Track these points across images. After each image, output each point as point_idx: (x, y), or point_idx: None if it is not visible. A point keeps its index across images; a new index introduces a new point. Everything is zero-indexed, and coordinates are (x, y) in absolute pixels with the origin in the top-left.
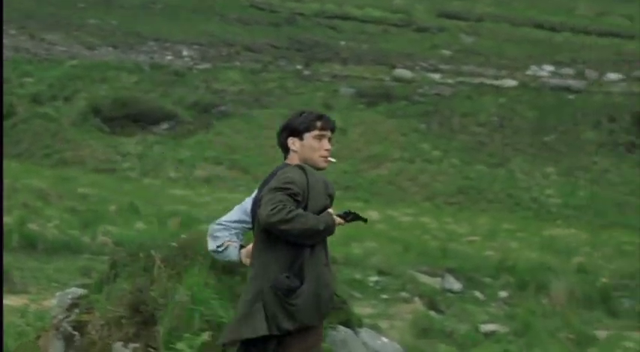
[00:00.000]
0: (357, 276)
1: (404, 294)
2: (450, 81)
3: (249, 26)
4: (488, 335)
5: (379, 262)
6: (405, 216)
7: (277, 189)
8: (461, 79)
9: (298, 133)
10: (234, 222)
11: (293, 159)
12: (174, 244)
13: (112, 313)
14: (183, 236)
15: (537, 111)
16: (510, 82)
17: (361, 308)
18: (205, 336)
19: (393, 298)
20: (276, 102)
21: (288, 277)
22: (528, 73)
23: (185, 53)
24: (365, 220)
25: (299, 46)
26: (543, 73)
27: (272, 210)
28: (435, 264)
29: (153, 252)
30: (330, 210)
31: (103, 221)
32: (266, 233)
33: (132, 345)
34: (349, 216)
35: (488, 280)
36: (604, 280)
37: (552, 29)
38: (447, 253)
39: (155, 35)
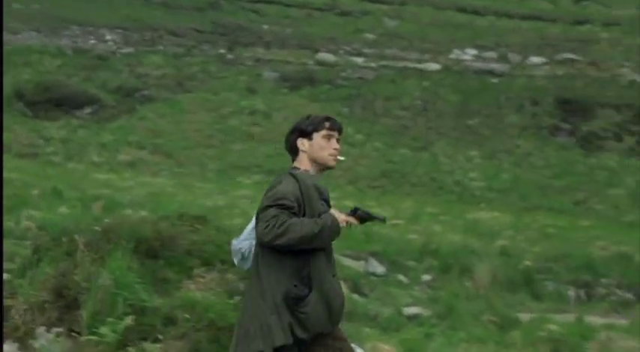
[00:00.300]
0: None
1: None
2: (373, 65)
3: (172, 10)
4: (412, 318)
5: None
6: None
7: (269, 206)
8: (384, 62)
9: (307, 134)
10: (251, 230)
11: (302, 159)
12: (97, 228)
13: (35, 298)
14: (106, 220)
15: (460, 94)
16: (433, 66)
17: None
18: (128, 320)
19: None
20: (200, 87)
21: (296, 286)
22: (451, 56)
23: (108, 37)
24: (383, 220)
25: (222, 30)
26: (466, 57)
27: (265, 228)
28: (359, 248)
29: (76, 237)
30: (333, 211)
31: (27, 205)
32: (269, 247)
33: (55, 330)
34: (359, 214)
35: (411, 263)
36: (527, 263)
37: (475, 13)
38: (371, 237)
39: (78, 19)
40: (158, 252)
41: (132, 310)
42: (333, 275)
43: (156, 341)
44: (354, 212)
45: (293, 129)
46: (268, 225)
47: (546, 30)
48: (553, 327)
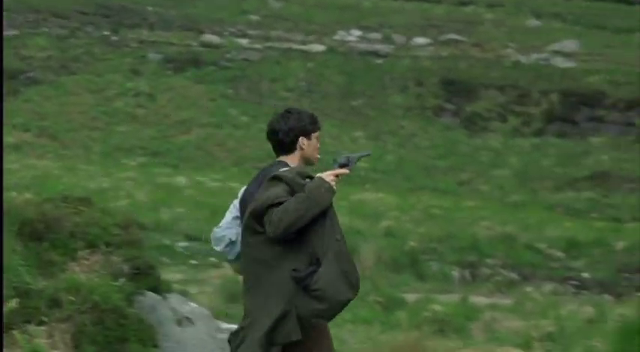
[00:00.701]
0: (166, 242)
1: (213, 259)
2: (258, 46)
3: None
4: None
5: (188, 227)
6: (213, 181)
7: (270, 206)
8: (269, 44)
9: (308, 134)
10: (232, 219)
11: (295, 157)
12: None
13: None
14: None
15: (345, 75)
16: (318, 47)
17: (170, 274)
18: (13, 303)
19: (202, 263)
20: (84, 69)
21: (294, 270)
22: (336, 38)
23: None
24: (368, 154)
25: (106, 11)
26: (351, 38)
27: (270, 226)
28: None
29: None
30: (320, 174)
31: None
32: (274, 244)
33: None
34: (341, 162)
35: None
36: (412, 244)
37: None
38: None
39: None
40: (42, 234)
41: (16, 293)
42: (338, 240)
43: (40, 323)
44: (335, 163)
45: (293, 127)
46: (272, 221)
47: (430, 11)
48: (438, 308)
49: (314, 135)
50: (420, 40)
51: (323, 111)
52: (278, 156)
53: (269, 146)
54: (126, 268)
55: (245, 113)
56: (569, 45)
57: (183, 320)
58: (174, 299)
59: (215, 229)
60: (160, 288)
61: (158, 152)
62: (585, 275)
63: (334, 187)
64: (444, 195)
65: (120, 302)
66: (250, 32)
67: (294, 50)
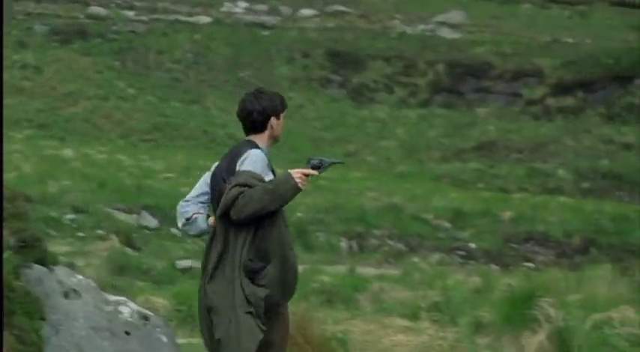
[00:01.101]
0: (53, 214)
1: (100, 232)
2: (144, 18)
3: None
4: (185, 271)
5: (75, 200)
6: (100, 153)
7: (238, 185)
8: (155, 16)
9: (278, 113)
10: (199, 195)
11: (264, 137)
12: None
13: None
14: None
15: (232, 47)
16: (205, 19)
17: (57, 246)
18: None
19: (89, 235)
20: None
21: (250, 260)
22: (223, 9)
23: None
24: (342, 162)
25: None
26: (237, 10)
27: (233, 207)
28: (131, 201)
29: None
30: (289, 170)
31: None
32: (229, 224)
33: None
34: (313, 163)
35: None
36: (299, 215)
37: None
38: (143, 190)
39: None
40: None
41: None
42: (290, 249)
43: None
44: (308, 163)
45: (266, 107)
46: (236, 204)
47: None
48: (325, 278)
49: (282, 115)
50: (307, 12)
51: (210, 83)
52: (247, 134)
53: (157, 118)
54: (12, 241)
55: (132, 85)
56: (455, 16)
57: (70, 293)
58: (60, 271)
59: (181, 202)
60: (46, 261)
61: (45, 124)
62: (472, 245)
63: (300, 186)
64: (332, 170)
65: (6, 275)
66: (136, 4)
67: (181, 22)
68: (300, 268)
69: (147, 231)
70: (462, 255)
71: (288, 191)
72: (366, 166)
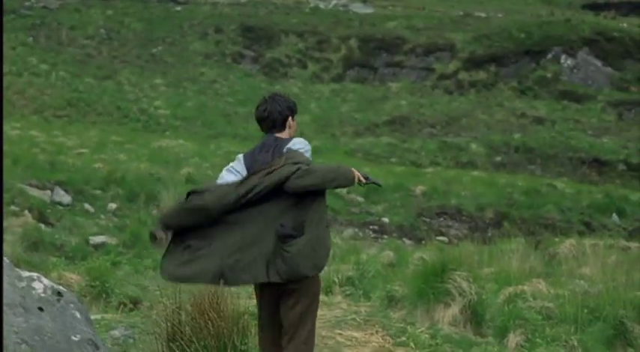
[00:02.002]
0: None
1: (13, 208)
2: None
3: None
4: (98, 246)
5: None
6: (13, 129)
7: (295, 163)
8: None
9: (293, 114)
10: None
11: (285, 134)
12: None
13: None
14: None
15: (145, 23)
16: None
17: None
18: None
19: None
20: None
21: (282, 225)
22: None
23: None
24: (380, 185)
25: None
26: None
27: (297, 179)
28: (44, 177)
29: None
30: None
31: None
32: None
33: None
34: (368, 179)
35: (97, 192)
36: None
37: None
38: (56, 166)
39: None
40: None
41: None
42: (327, 226)
43: None
44: (366, 177)
45: (285, 108)
46: (300, 173)
47: None
48: None
49: (295, 117)
50: None
51: (122, 58)
52: (270, 132)
53: (70, 94)
54: None
55: (45, 61)
56: None
57: None
58: None
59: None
60: None
61: None
62: (385, 219)
63: (356, 180)
64: (244, 142)
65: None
66: None
67: None
68: None
69: (60, 207)
70: (375, 229)
71: (348, 176)
72: None
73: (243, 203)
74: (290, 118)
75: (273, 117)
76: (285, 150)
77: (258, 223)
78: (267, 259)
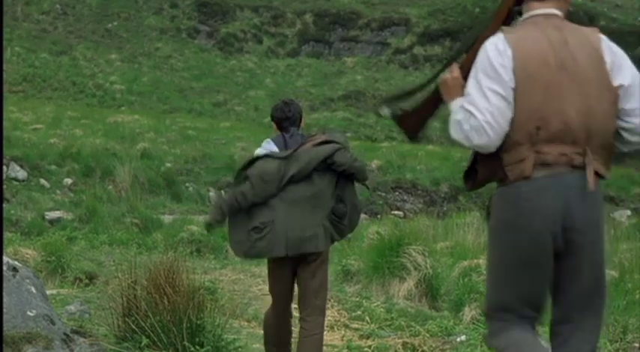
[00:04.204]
0: None
1: None
2: None
3: None
4: (54, 222)
5: None
6: None
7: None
8: None
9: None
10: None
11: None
12: None
13: None
14: None
15: None
16: None
17: None
18: None
19: None
20: None
21: (338, 205)
22: None
23: None
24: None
25: None
26: None
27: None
28: None
29: None
30: None
31: None
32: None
33: None
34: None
35: (53, 168)
36: (168, 165)
37: None
38: (12, 142)
39: None
40: None
41: None
42: (357, 203)
43: None
44: None
45: (301, 109)
46: (356, 163)
47: None
48: (195, 228)
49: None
50: None
51: (78, 33)
52: (289, 131)
53: (26, 70)
54: None
55: None
56: None
57: None
58: None
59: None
60: None
61: None
62: None
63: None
64: (199, 117)
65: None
66: None
67: None
68: (170, 218)
69: (16, 183)
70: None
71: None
72: (234, 116)
73: (296, 176)
74: (303, 117)
75: (295, 117)
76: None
77: (312, 200)
78: (325, 230)
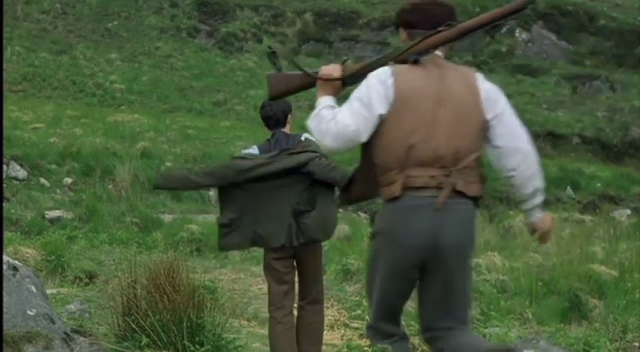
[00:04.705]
0: None
1: None
2: None
3: None
4: (54, 221)
5: None
6: None
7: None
8: None
9: (290, 112)
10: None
11: (286, 129)
12: None
13: None
14: None
15: None
16: None
17: None
18: None
19: None
20: None
21: (298, 203)
22: None
23: None
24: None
25: None
26: None
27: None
28: None
29: None
30: None
31: None
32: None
33: None
34: None
35: (53, 167)
36: (168, 164)
37: None
38: (12, 141)
39: None
40: None
41: None
42: (333, 202)
43: None
44: None
45: (286, 107)
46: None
47: None
48: (195, 228)
49: (290, 115)
50: None
51: (78, 33)
52: (276, 128)
53: (26, 69)
54: None
55: None
56: None
57: None
58: None
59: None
60: None
61: None
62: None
63: None
64: (199, 116)
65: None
66: None
67: None
68: (170, 217)
69: (16, 182)
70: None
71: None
72: (234, 115)
73: (264, 174)
74: (290, 115)
75: (277, 116)
76: (299, 139)
77: (279, 201)
78: (289, 228)
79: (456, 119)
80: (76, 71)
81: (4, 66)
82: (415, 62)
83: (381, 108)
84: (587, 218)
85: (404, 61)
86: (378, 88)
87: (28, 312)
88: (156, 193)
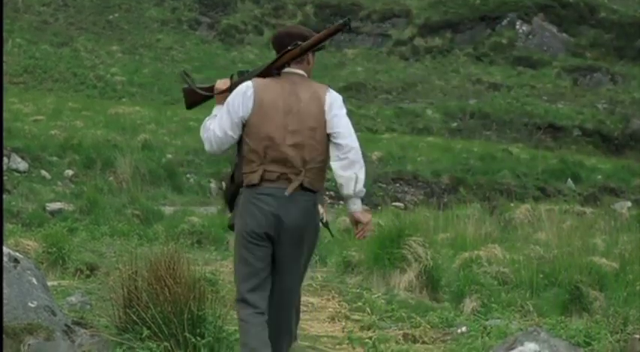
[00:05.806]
0: None
1: None
2: None
3: None
4: (55, 213)
5: None
6: None
7: None
8: None
9: None
10: None
11: None
12: None
13: None
14: None
15: None
16: None
17: None
18: None
19: None
20: None
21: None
22: None
23: None
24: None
25: None
26: None
27: None
28: None
29: None
30: None
31: None
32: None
33: None
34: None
35: (54, 159)
36: (169, 156)
37: None
38: (13, 133)
39: None
40: None
41: None
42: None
43: None
44: None
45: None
46: None
47: None
48: (195, 220)
49: None
50: None
51: (79, 25)
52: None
53: (27, 61)
54: None
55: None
56: None
57: None
58: None
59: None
60: None
61: None
62: None
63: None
64: (200, 108)
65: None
66: None
67: None
68: (171, 209)
69: (17, 174)
70: (332, 195)
71: None
72: None
73: None
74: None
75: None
76: None
77: None
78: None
79: (301, 128)
80: (77, 63)
81: (5, 58)
82: (277, 74)
83: (242, 113)
84: (588, 210)
85: (269, 75)
86: (238, 98)
87: (29, 304)
88: (156, 185)
